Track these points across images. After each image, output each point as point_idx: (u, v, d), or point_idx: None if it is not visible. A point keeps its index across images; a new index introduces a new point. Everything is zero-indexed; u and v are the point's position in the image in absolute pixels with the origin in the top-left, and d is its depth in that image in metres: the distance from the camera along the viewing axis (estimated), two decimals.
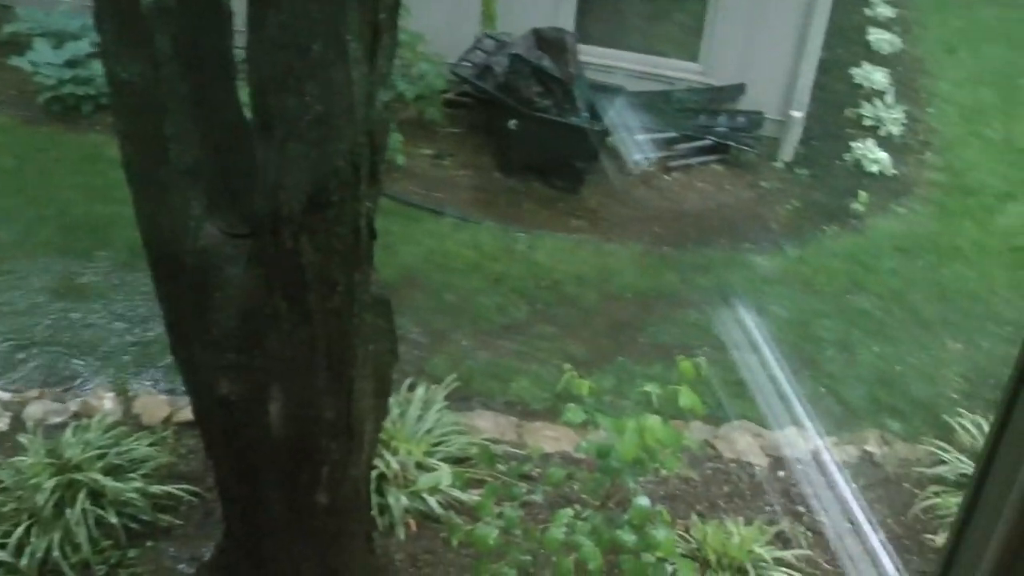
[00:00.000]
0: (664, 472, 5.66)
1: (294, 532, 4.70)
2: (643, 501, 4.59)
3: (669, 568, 4.57)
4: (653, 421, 4.41)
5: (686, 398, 4.65)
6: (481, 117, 10.42)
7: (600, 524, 4.61)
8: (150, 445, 6.31)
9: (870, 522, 6.71)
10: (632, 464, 4.60)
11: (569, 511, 4.73)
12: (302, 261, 3.85)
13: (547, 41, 10.02)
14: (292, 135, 3.58)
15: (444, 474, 4.81)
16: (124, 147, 4.12)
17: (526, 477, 5.90)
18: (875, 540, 6.59)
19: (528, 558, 4.85)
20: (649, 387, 4.84)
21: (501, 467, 5.73)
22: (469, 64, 10.12)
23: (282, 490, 4.55)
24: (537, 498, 4.93)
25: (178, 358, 4.60)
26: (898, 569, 6.41)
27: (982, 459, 1.13)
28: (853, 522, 6.70)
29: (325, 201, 3.73)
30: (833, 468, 7.11)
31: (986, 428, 7.12)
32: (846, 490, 6.94)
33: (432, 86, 10.19)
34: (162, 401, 6.95)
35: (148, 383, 7.21)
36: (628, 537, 4.52)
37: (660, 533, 4.53)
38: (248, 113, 3.99)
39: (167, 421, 6.75)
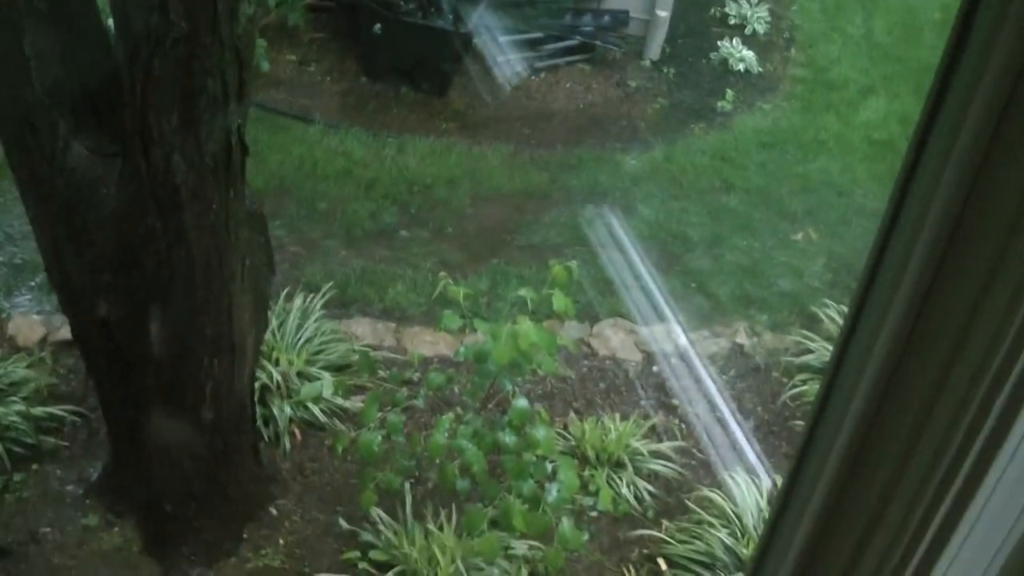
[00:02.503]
0: (541, 372, 5.79)
1: (182, 449, 4.73)
2: (521, 403, 4.71)
3: (549, 466, 4.71)
4: (527, 325, 4.51)
5: (559, 301, 4.76)
6: (345, 22, 10.26)
7: (481, 427, 4.72)
8: (28, 367, 6.23)
9: (739, 411, 6.98)
10: (509, 367, 4.70)
11: (450, 416, 4.84)
12: (176, 180, 3.83)
13: None
14: (158, 54, 3.53)
15: (326, 383, 4.87)
16: None
17: (407, 382, 6.01)
18: (743, 429, 6.87)
19: (412, 463, 4.96)
20: (524, 291, 4.93)
21: (382, 373, 5.80)
22: None
23: (168, 409, 4.56)
24: (419, 403, 5.02)
25: (53, 280, 4.55)
26: (759, 454, 6.70)
27: (837, 347, 1.23)
28: (723, 412, 6.96)
29: (196, 119, 3.71)
30: (704, 361, 7.35)
31: None
32: (716, 382, 7.19)
33: None
34: (36, 321, 6.82)
35: (21, 304, 7.07)
36: (509, 438, 4.64)
37: (540, 432, 4.66)
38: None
39: (43, 342, 6.64)
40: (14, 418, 5.85)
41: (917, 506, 1.23)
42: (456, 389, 6.14)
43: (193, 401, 4.54)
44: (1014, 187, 0.97)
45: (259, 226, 4.59)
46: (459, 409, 6.11)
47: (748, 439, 6.81)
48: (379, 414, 4.91)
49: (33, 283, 7.22)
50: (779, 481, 6.16)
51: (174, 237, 4.00)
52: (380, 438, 4.70)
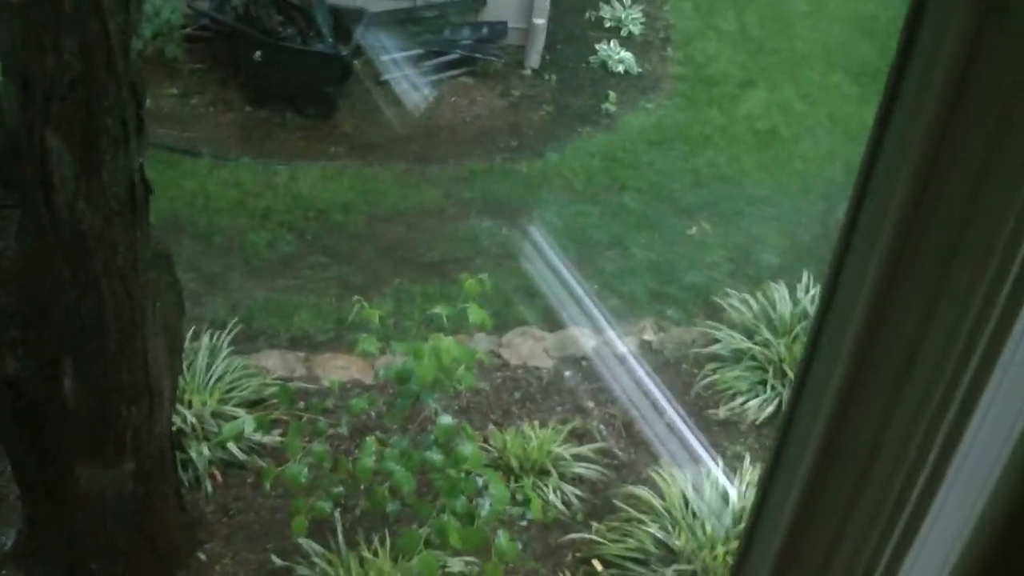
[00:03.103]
0: (460, 388, 5.77)
1: (104, 503, 4.61)
2: (446, 420, 4.70)
3: (479, 480, 4.70)
4: (448, 342, 4.50)
5: (475, 314, 4.77)
6: (224, 51, 10.14)
7: (407, 448, 4.70)
8: None
9: (654, 407, 7.05)
10: (431, 385, 4.69)
11: (373, 439, 4.80)
12: (81, 227, 3.74)
13: None
14: (54, 96, 3.45)
15: (247, 421, 4.80)
16: None
17: (325, 410, 5.95)
18: (659, 423, 6.94)
19: (340, 490, 4.90)
20: (438, 308, 4.91)
21: (299, 404, 5.74)
22: None
23: (87, 462, 4.44)
24: (342, 431, 4.97)
25: None
26: (678, 447, 6.78)
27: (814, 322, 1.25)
28: (638, 409, 7.02)
29: (98, 162, 3.63)
30: (614, 361, 7.41)
31: (752, 304, 7.54)
32: (629, 380, 7.25)
33: (169, 22, 9.84)
34: None
35: None
36: (436, 456, 4.62)
37: (466, 448, 4.66)
38: None
39: None
40: None
41: (885, 504, 1.26)
42: (373, 413, 6.09)
43: (113, 452, 4.43)
44: (968, 177, 0.99)
45: (166, 265, 4.51)
46: (378, 432, 6.08)
47: (666, 433, 6.88)
48: (302, 444, 4.84)
49: None
50: (706, 469, 6.25)
51: (83, 285, 3.90)
52: (306, 469, 4.63)
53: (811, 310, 7.45)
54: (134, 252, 3.94)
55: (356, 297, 5.46)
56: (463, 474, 4.73)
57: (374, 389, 6.66)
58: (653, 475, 6.28)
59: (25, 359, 4.11)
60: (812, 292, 7.64)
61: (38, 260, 3.87)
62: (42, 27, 3.31)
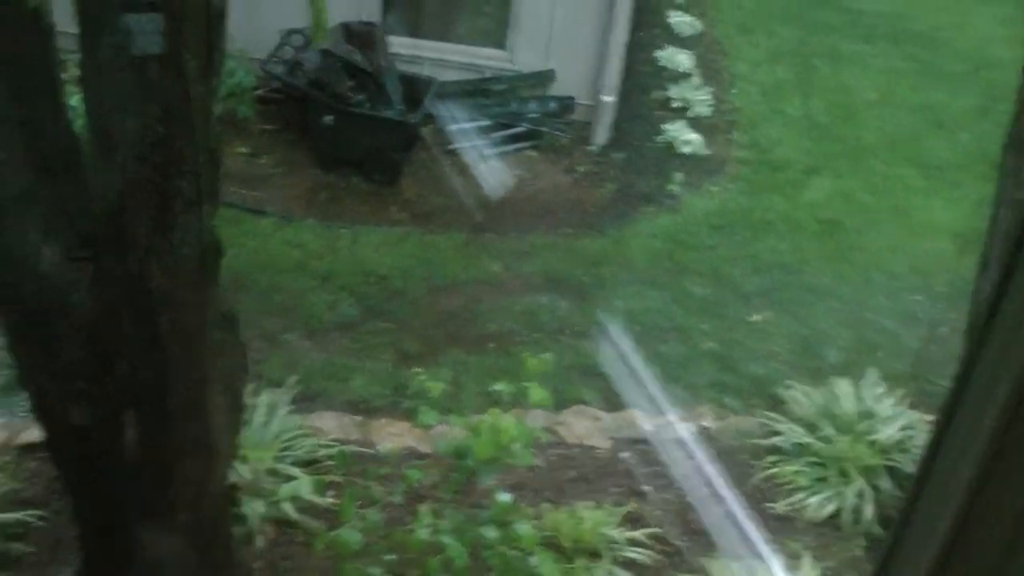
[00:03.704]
0: (515, 465, 5.72)
1: (159, 553, 4.61)
2: (504, 497, 4.66)
3: (532, 560, 4.65)
4: (507, 420, 4.48)
5: (536, 394, 4.74)
6: (294, 113, 10.30)
7: (462, 522, 4.66)
8: None
9: (711, 496, 6.94)
10: (488, 461, 4.66)
11: (428, 510, 4.76)
12: (150, 285, 3.77)
13: (356, 35, 9.96)
14: (134, 158, 3.50)
15: (304, 483, 4.78)
16: None
17: (379, 477, 5.94)
18: (715, 513, 6.82)
19: (392, 557, 4.87)
20: (500, 385, 4.89)
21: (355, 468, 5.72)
22: (279, 60, 10.00)
23: (144, 514, 4.46)
24: (396, 500, 4.94)
25: (26, 387, 4.45)
26: (734, 539, 6.65)
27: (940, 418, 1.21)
28: (694, 497, 6.92)
29: (171, 223, 3.67)
30: (672, 445, 7.31)
31: (815, 397, 7.42)
32: (686, 466, 7.16)
33: (242, 84, 10.02)
34: None
35: None
36: (491, 533, 4.58)
37: (522, 527, 4.61)
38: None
39: (6, 445, 6.51)
40: None
41: None
42: (427, 483, 6.05)
43: (170, 504, 4.44)
44: None
45: (232, 327, 4.53)
46: (429, 501, 6.04)
47: (721, 523, 6.76)
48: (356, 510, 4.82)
49: None
50: (763, 566, 6.12)
51: (148, 342, 3.93)
52: (359, 535, 4.61)
53: (876, 409, 7.32)
54: (201, 313, 3.97)
55: (417, 369, 5.45)
56: (516, 553, 4.68)
57: (428, 458, 6.65)
58: (707, 565, 6.17)
59: (90, 409, 4.15)
60: (878, 391, 7.50)
61: (107, 315, 3.91)
62: (127, 92, 3.37)
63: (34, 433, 6.19)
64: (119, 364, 4.00)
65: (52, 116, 4.00)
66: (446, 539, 4.53)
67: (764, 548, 6.46)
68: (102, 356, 4.00)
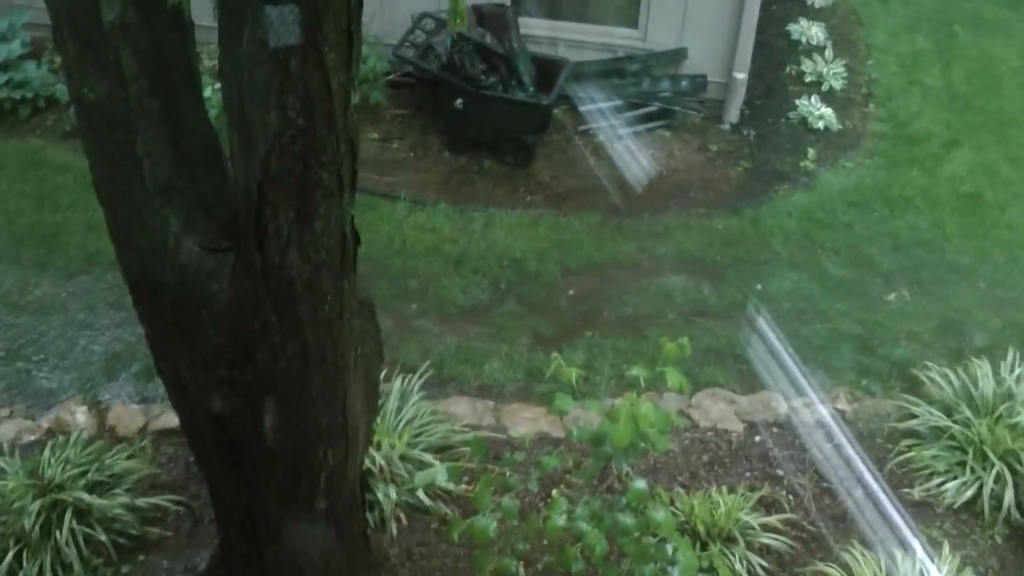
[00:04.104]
0: (653, 451, 5.69)
1: (295, 538, 4.70)
2: (640, 484, 4.63)
3: (669, 548, 4.61)
4: (646, 407, 4.44)
5: (673, 379, 4.69)
6: (426, 97, 10.36)
7: (599, 509, 4.64)
8: (129, 457, 6.28)
9: (846, 481, 6.81)
10: (626, 448, 4.62)
11: (563, 498, 4.75)
12: (291, 274, 3.82)
13: (487, 17, 9.95)
14: (275, 150, 3.54)
15: (440, 470, 4.80)
16: (94, 167, 4.05)
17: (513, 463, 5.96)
18: (852, 499, 6.70)
19: (526, 546, 4.88)
20: (636, 370, 4.85)
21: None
22: (410, 45, 10.04)
23: (281, 499, 4.54)
24: (532, 487, 4.94)
25: (163, 375, 4.55)
26: (871, 525, 6.51)
27: None
28: (829, 482, 6.79)
29: (312, 214, 3.71)
30: (806, 429, 7.20)
31: (953, 379, 7.22)
32: (820, 450, 7.03)
33: (375, 69, 10.11)
34: (136, 411, 6.89)
35: (119, 394, 7.13)
36: (628, 520, 4.55)
37: (659, 514, 4.57)
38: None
39: (143, 431, 6.72)
40: (119, 510, 5.91)
41: None
42: (561, 468, 6.04)
43: (307, 491, 4.52)
44: None
45: (369, 314, 4.58)
46: (562, 486, 6.04)
47: (857, 509, 6.63)
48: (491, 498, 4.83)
49: (130, 372, 7.30)
50: (900, 553, 5.97)
51: (289, 331, 3.98)
52: (495, 523, 4.62)
53: (1016, 391, 7.10)
54: (340, 301, 4.02)
55: (554, 354, 5.43)
56: (653, 539, 4.64)
57: (562, 444, 6.65)
58: (844, 554, 6.06)
59: (230, 397, 4.22)
60: (1018, 371, 7.27)
61: (248, 303, 3.97)
62: (268, 85, 3.40)
63: (170, 419, 6.40)
64: (259, 352, 4.06)
65: (192, 110, 4.09)
66: (584, 526, 4.51)
67: (901, 536, 6.33)
68: (242, 345, 4.07)
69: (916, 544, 6.20)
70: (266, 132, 3.50)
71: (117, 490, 6.00)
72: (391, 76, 10.39)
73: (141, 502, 6.01)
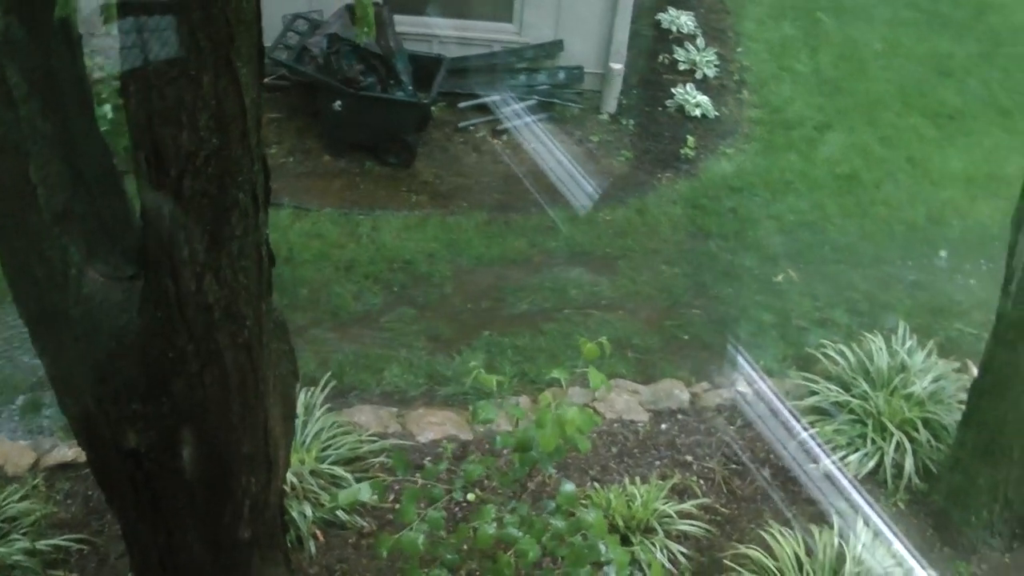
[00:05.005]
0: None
1: (217, 569, 4.53)
2: (569, 487, 4.59)
3: (602, 547, 4.57)
4: (572, 410, 4.39)
5: (595, 379, 4.66)
6: (303, 100, 10.17)
7: (528, 514, 4.58)
8: (23, 499, 6.00)
9: (754, 461, 6.89)
10: (551, 452, 4.58)
11: (491, 506, 4.68)
12: (208, 300, 3.66)
13: None
14: (188, 171, 3.38)
15: (364, 488, 4.67)
16: None
17: (419, 467, 5.88)
18: (761, 477, 6.78)
19: (456, 557, 4.80)
20: (556, 372, 4.81)
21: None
22: (284, 47, 9.83)
23: (203, 532, 4.37)
24: (457, 496, 4.87)
25: (68, 412, 4.32)
26: (784, 503, 6.61)
27: None
28: (738, 464, 6.87)
29: (228, 236, 3.55)
30: (709, 413, 7.28)
31: (848, 355, 7.36)
32: (724, 433, 7.11)
33: None
34: (24, 448, 6.58)
35: (3, 429, 6.82)
36: (559, 523, 4.51)
37: (590, 515, 4.53)
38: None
39: (34, 468, 6.41)
40: (18, 556, 5.63)
41: None
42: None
43: (231, 521, 4.35)
44: None
45: (283, 334, 4.43)
46: (478, 491, 5.97)
47: (767, 488, 6.72)
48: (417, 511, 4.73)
49: (15, 406, 6.99)
50: (817, 528, 6.06)
51: (207, 359, 3.82)
52: (423, 537, 4.52)
53: (909, 362, 7.29)
54: (259, 325, 3.87)
55: (473, 363, 5.35)
56: (584, 542, 4.60)
57: (471, 446, 6.60)
58: (762, 534, 6.12)
59: (145, 431, 4.04)
60: (909, 344, 7.46)
61: (161, 333, 3.79)
62: (180, 103, 3.24)
63: (63, 453, 6.16)
64: (175, 383, 3.89)
65: (86, 131, 3.89)
66: (515, 533, 4.45)
67: (813, 510, 6.44)
68: (156, 376, 3.89)
69: (832, 516, 6.31)
70: (178, 153, 3.33)
71: (14, 535, 5.70)
72: (266, 80, 10.14)
73: (42, 544, 5.72)
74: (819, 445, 6.97)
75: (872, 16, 12.86)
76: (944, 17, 13.09)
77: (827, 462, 6.85)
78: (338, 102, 9.47)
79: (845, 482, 6.79)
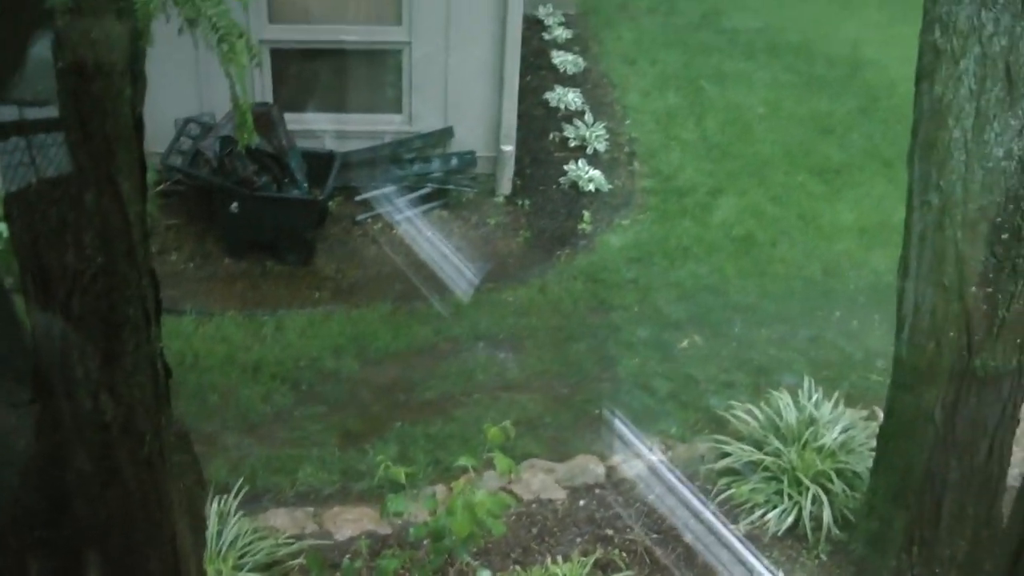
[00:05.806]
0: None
1: None
2: (485, 573, 4.58)
3: None
4: (482, 495, 4.41)
5: (502, 463, 4.69)
6: (199, 204, 10.13)
7: None
8: None
9: (673, 528, 6.93)
10: (465, 539, 4.58)
11: None
12: (105, 419, 3.62)
13: (254, 117, 9.81)
14: (76, 291, 3.37)
15: None
16: None
17: (336, 567, 5.83)
18: (683, 545, 6.82)
19: None
20: (464, 460, 4.83)
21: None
22: (178, 152, 9.82)
23: None
24: None
25: None
26: (709, 569, 6.65)
27: None
28: (660, 532, 6.90)
29: (121, 352, 3.54)
30: (627, 485, 7.31)
31: (757, 414, 7.47)
32: (644, 503, 7.14)
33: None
34: None
35: None
36: None
37: None
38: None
39: None
40: None
41: None
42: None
43: None
44: None
45: (186, 445, 4.39)
46: None
47: (689, 554, 6.76)
48: None
49: None
50: None
51: (107, 478, 3.77)
52: None
53: (817, 415, 7.41)
54: (159, 438, 3.83)
55: (380, 457, 5.34)
56: None
57: (390, 539, 6.55)
58: None
59: (49, 558, 3.97)
60: (815, 397, 7.60)
61: (60, 456, 3.75)
62: (63, 223, 3.24)
63: None
64: (77, 505, 3.83)
65: None
66: None
67: (737, 572, 6.48)
68: (58, 500, 3.83)
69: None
70: (65, 273, 3.33)
71: None
72: (161, 186, 10.12)
73: None
74: (737, 506, 7.04)
75: (752, 81, 13.20)
76: (821, 78, 13.49)
77: (746, 522, 6.92)
78: (234, 204, 9.47)
79: (767, 539, 6.87)
